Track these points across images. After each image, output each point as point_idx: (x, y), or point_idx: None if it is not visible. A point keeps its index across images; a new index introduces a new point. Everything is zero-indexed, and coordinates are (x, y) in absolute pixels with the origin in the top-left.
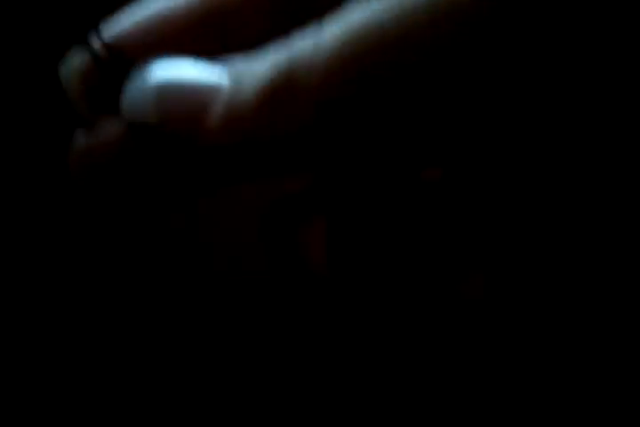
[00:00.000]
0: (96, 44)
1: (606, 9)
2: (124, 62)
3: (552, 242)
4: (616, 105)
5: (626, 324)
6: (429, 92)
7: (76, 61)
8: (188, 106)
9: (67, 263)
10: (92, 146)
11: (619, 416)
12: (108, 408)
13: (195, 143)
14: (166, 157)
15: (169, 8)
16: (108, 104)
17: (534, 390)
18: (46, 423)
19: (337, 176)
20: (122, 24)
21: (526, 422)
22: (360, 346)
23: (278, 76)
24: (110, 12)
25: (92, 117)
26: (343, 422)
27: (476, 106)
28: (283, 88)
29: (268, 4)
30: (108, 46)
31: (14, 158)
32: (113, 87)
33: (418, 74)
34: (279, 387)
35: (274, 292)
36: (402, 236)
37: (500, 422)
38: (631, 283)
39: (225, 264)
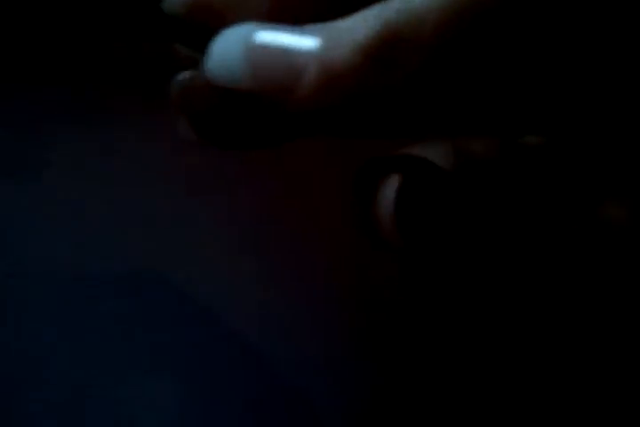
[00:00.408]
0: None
1: None
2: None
3: None
4: None
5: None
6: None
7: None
8: (280, 72)
9: None
10: (191, 87)
11: (619, 416)
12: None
13: (289, 105)
14: (256, 113)
15: None
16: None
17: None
18: None
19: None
20: None
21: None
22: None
23: (385, 29)
24: None
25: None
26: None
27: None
28: (392, 40)
29: None
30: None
31: None
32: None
33: (540, 12)
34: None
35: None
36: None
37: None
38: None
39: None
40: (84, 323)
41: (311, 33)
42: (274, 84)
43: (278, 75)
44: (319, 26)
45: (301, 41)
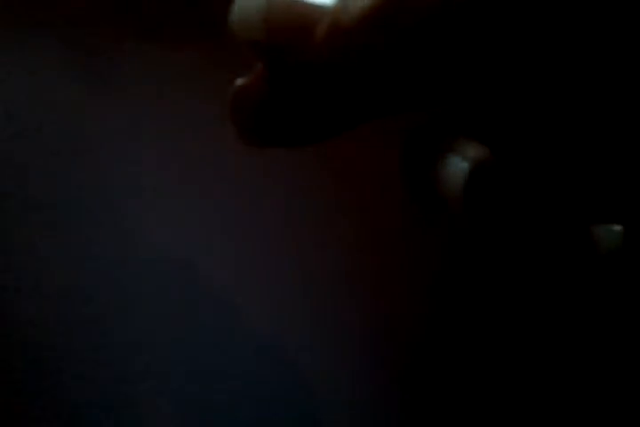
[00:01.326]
0: None
1: None
2: None
3: None
4: None
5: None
6: None
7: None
8: (294, 22)
9: None
10: (242, 87)
11: (619, 416)
12: None
13: (301, 59)
14: (301, 90)
15: None
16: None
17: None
18: None
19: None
20: None
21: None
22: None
23: None
24: None
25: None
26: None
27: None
28: (394, 2)
29: None
30: None
31: None
32: None
33: None
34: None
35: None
36: (543, 176)
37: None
38: None
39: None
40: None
41: None
42: (287, 35)
43: (293, 26)
44: None
45: None
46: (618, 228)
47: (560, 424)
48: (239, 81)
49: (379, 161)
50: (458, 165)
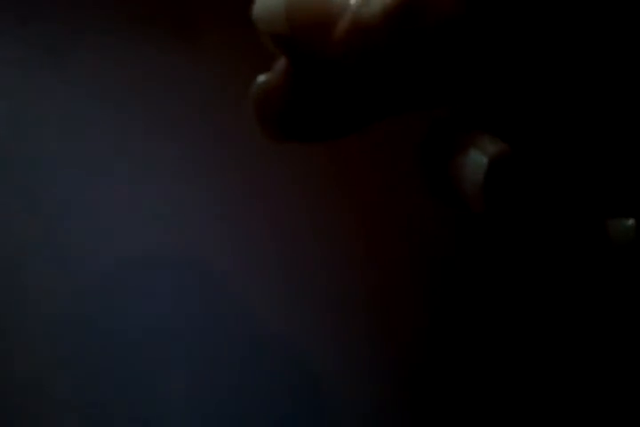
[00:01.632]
0: None
1: None
2: None
3: None
4: None
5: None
6: None
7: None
8: (316, 16)
9: None
10: (266, 82)
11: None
12: None
13: (322, 54)
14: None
15: None
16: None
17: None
18: None
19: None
20: None
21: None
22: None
23: None
24: None
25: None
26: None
27: None
28: (412, 3)
29: None
30: None
31: None
32: None
33: None
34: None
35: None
36: (560, 173)
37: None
38: None
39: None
40: None
41: None
42: (308, 29)
43: (313, 19)
44: None
45: None
46: (630, 222)
47: (565, 424)
48: (262, 77)
49: (385, 161)
50: (477, 161)
